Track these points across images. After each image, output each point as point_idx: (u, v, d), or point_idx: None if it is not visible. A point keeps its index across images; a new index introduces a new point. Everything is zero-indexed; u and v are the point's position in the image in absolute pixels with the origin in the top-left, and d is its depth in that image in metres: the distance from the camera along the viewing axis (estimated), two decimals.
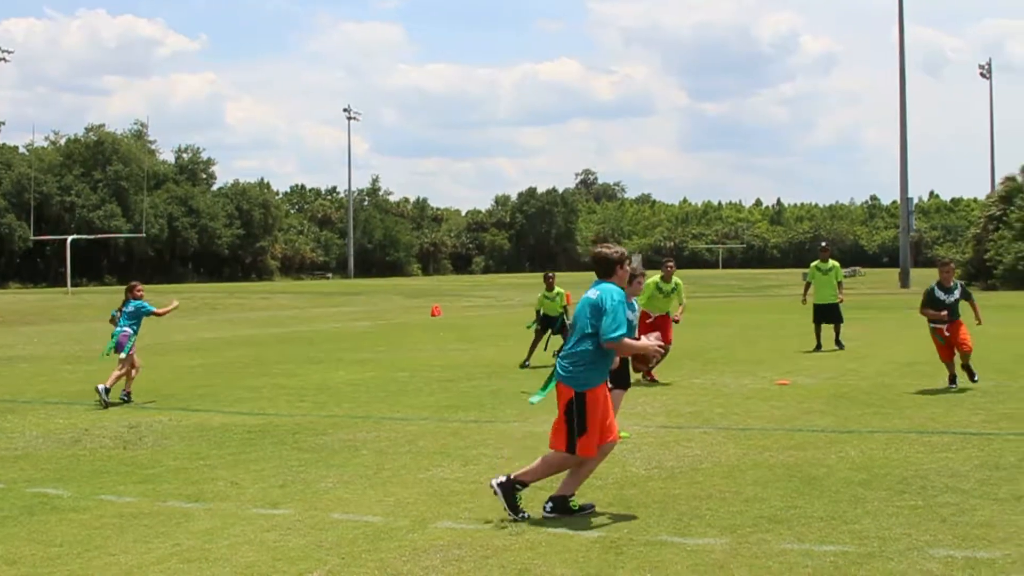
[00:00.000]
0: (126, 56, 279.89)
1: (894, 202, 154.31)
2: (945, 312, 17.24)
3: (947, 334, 17.06)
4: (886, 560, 7.47)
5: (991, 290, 61.20)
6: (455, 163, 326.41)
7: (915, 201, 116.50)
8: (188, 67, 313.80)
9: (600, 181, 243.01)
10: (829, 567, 7.34)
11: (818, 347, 24.51)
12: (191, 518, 9.14)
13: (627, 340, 9.13)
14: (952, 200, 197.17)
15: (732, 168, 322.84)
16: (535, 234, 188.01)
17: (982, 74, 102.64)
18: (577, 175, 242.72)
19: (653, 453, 11.80)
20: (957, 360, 17.12)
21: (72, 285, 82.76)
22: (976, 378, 17.01)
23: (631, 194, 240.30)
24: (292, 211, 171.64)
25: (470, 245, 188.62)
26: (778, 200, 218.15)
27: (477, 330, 35.49)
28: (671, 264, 19.84)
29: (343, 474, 10.98)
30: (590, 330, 8.98)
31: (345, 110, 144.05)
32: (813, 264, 25.85)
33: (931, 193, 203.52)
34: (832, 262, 25.77)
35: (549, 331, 22.67)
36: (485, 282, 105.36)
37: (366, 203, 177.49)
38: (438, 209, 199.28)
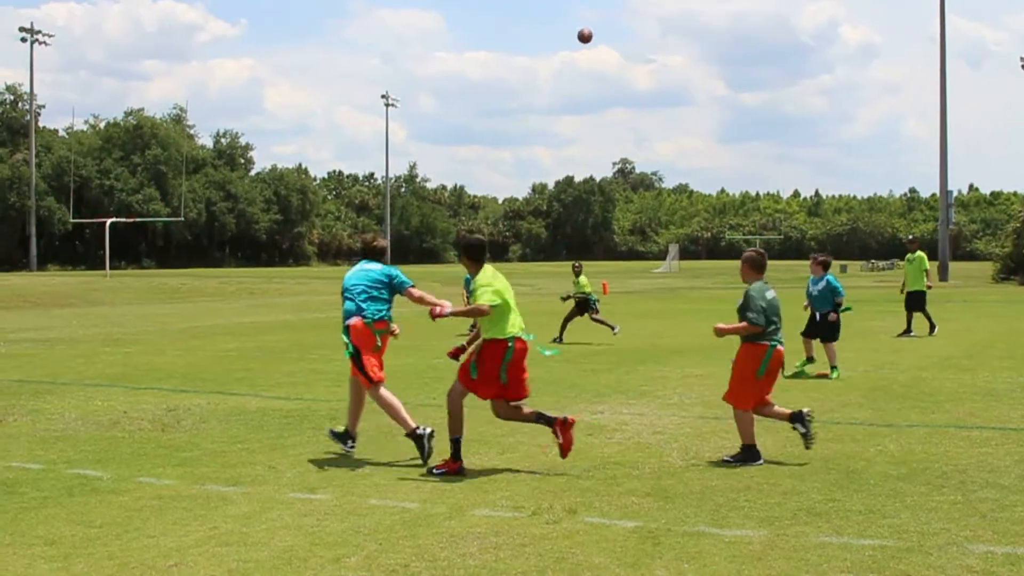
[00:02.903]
0: (166, 41, 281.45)
1: (933, 195, 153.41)
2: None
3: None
4: (925, 555, 7.43)
5: None
6: (492, 151, 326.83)
7: (954, 194, 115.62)
8: (228, 52, 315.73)
9: (637, 171, 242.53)
10: (868, 560, 7.31)
11: (906, 331, 25.57)
12: (229, 502, 9.18)
13: None
14: (992, 193, 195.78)
15: (770, 159, 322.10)
16: (572, 223, 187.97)
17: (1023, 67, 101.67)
18: (614, 164, 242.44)
19: (690, 444, 11.79)
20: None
21: (111, 268, 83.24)
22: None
23: (668, 184, 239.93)
24: (329, 197, 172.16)
25: (507, 233, 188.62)
26: (816, 191, 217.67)
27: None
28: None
29: (380, 460, 11.00)
30: None
31: (383, 96, 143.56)
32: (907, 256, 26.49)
33: (971, 186, 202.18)
34: (918, 253, 26.50)
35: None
36: (521, 270, 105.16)
37: (403, 190, 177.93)
38: (475, 197, 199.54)
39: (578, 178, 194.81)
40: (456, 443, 10.47)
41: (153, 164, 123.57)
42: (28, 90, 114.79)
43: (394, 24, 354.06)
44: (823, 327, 18.64)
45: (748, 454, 10.75)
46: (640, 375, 18.09)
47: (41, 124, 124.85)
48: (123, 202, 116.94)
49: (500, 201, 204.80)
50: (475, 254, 11.04)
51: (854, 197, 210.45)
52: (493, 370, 10.51)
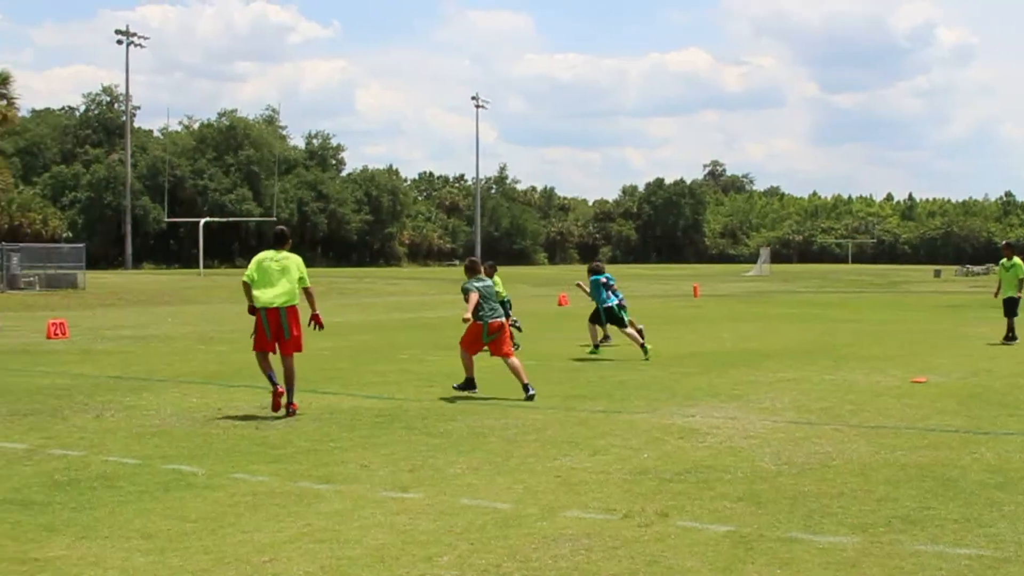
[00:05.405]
0: (259, 42, 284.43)
1: None
2: None
3: None
4: (1023, 566, 7.32)
5: None
6: (582, 153, 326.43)
7: None
8: (319, 53, 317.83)
9: (728, 173, 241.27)
10: (964, 570, 7.21)
11: (1009, 337, 25.38)
12: (322, 499, 9.25)
13: None
14: None
15: (863, 161, 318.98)
16: (662, 225, 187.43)
17: None
18: (705, 166, 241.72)
19: (783, 449, 11.69)
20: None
21: (204, 267, 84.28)
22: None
23: (759, 186, 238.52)
24: (420, 198, 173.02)
25: (597, 235, 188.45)
26: (910, 195, 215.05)
27: None
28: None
29: (472, 460, 11.02)
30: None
31: (473, 98, 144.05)
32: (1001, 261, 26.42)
33: None
34: (1014, 260, 26.19)
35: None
36: (612, 273, 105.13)
37: (493, 191, 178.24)
38: (565, 198, 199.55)
39: (668, 180, 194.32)
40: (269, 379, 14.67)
41: (246, 164, 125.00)
42: (124, 91, 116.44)
43: (484, 26, 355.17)
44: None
45: (467, 384, 16.38)
46: (731, 379, 17.99)
47: (136, 125, 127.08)
48: (216, 202, 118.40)
49: (590, 203, 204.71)
50: (274, 240, 15.06)
51: (948, 200, 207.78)
52: (258, 329, 14.67)
